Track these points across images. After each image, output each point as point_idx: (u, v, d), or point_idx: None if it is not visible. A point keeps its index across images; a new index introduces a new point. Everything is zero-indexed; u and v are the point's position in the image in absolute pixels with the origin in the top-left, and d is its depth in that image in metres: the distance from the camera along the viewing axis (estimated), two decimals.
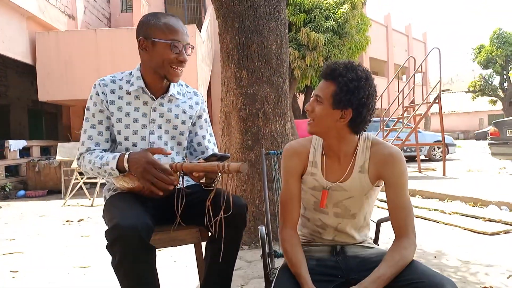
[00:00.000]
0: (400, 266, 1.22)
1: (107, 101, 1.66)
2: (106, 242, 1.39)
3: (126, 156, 1.54)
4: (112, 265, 1.41)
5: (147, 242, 1.40)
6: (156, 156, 1.58)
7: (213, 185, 1.62)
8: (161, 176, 1.49)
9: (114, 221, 1.37)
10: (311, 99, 1.35)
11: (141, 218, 1.41)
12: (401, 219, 1.31)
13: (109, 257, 1.41)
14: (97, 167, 1.59)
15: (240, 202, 1.61)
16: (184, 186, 1.66)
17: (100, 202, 6.38)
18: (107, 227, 1.42)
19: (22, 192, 7.88)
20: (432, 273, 1.19)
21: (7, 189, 7.90)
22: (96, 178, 6.85)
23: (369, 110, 1.30)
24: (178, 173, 1.55)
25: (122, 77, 1.71)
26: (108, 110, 1.66)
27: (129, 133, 1.68)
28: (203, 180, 1.58)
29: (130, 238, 1.34)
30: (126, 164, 1.53)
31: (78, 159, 1.70)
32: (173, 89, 1.74)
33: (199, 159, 1.85)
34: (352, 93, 1.26)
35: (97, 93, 1.66)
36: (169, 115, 1.74)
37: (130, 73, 1.73)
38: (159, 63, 1.62)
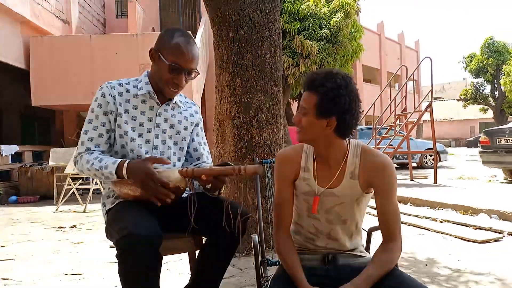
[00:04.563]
0: (387, 267, 1.28)
1: (114, 103, 1.70)
2: (117, 251, 1.41)
3: (126, 164, 1.56)
4: (119, 273, 1.44)
5: (158, 251, 1.43)
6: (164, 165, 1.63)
7: (217, 193, 1.68)
8: (158, 189, 1.51)
9: (127, 230, 1.39)
10: (297, 110, 1.39)
11: (153, 227, 1.45)
12: (389, 224, 1.36)
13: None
14: (94, 168, 1.61)
15: (238, 207, 1.65)
16: (188, 194, 1.68)
17: (93, 208, 6.37)
18: (117, 236, 1.43)
19: (14, 198, 7.80)
20: (416, 284, 1.24)
21: None
22: (89, 184, 6.83)
23: (353, 115, 1.33)
24: (187, 178, 1.58)
25: (129, 82, 1.78)
26: (116, 111, 1.70)
27: (135, 135, 1.72)
28: (208, 186, 1.61)
29: (144, 247, 1.37)
30: (124, 172, 1.55)
31: (75, 157, 1.70)
32: (176, 97, 1.82)
33: (200, 166, 1.88)
34: (333, 102, 1.29)
35: (103, 95, 1.70)
36: (173, 120, 1.81)
37: (137, 79, 1.80)
38: (159, 78, 1.70)
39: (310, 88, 1.33)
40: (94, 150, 1.68)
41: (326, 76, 1.32)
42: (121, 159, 1.60)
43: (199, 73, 1.75)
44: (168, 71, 1.65)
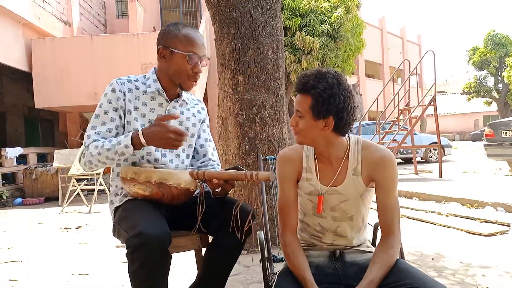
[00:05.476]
0: (389, 265, 1.28)
1: (124, 99, 1.69)
2: (127, 249, 1.41)
3: (140, 132, 1.54)
4: (129, 271, 1.44)
5: (167, 250, 1.44)
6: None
7: (225, 195, 1.69)
8: (172, 135, 1.51)
9: (137, 229, 1.38)
10: (293, 114, 1.38)
11: (163, 226, 1.45)
12: (389, 218, 1.36)
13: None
14: (106, 149, 1.56)
15: (248, 210, 1.64)
16: (197, 195, 1.68)
17: (98, 208, 6.39)
18: (127, 234, 1.43)
19: (19, 200, 7.84)
20: (420, 275, 1.24)
21: (4, 197, 7.87)
22: (93, 185, 6.85)
23: (349, 112, 1.33)
24: (198, 180, 1.58)
25: (138, 79, 1.77)
26: (125, 107, 1.70)
27: None
28: (218, 190, 1.61)
29: (154, 246, 1.37)
30: (143, 140, 1.53)
31: (82, 152, 1.65)
32: (184, 94, 1.83)
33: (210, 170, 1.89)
34: (328, 102, 1.29)
35: (114, 90, 1.69)
36: (182, 117, 1.81)
37: (145, 76, 1.79)
38: (176, 72, 1.69)
39: (303, 91, 1.33)
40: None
41: (317, 77, 1.31)
42: (130, 131, 1.60)
43: (209, 58, 1.75)
44: (187, 61, 1.65)
